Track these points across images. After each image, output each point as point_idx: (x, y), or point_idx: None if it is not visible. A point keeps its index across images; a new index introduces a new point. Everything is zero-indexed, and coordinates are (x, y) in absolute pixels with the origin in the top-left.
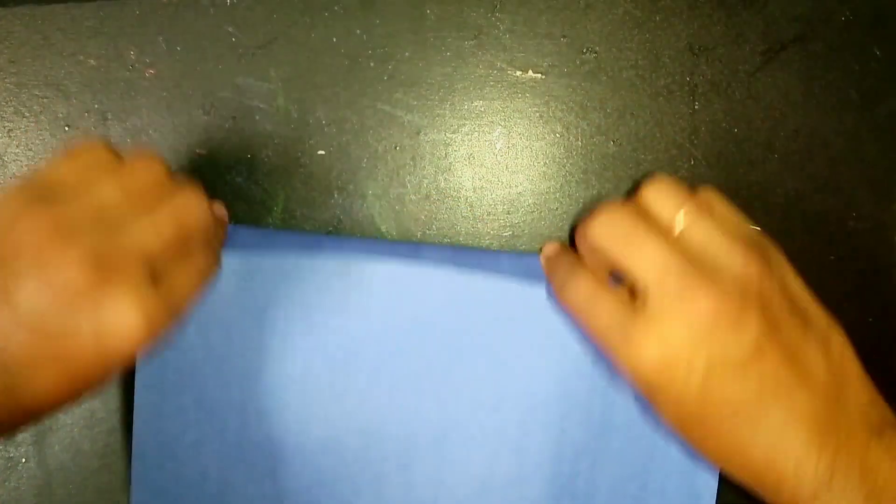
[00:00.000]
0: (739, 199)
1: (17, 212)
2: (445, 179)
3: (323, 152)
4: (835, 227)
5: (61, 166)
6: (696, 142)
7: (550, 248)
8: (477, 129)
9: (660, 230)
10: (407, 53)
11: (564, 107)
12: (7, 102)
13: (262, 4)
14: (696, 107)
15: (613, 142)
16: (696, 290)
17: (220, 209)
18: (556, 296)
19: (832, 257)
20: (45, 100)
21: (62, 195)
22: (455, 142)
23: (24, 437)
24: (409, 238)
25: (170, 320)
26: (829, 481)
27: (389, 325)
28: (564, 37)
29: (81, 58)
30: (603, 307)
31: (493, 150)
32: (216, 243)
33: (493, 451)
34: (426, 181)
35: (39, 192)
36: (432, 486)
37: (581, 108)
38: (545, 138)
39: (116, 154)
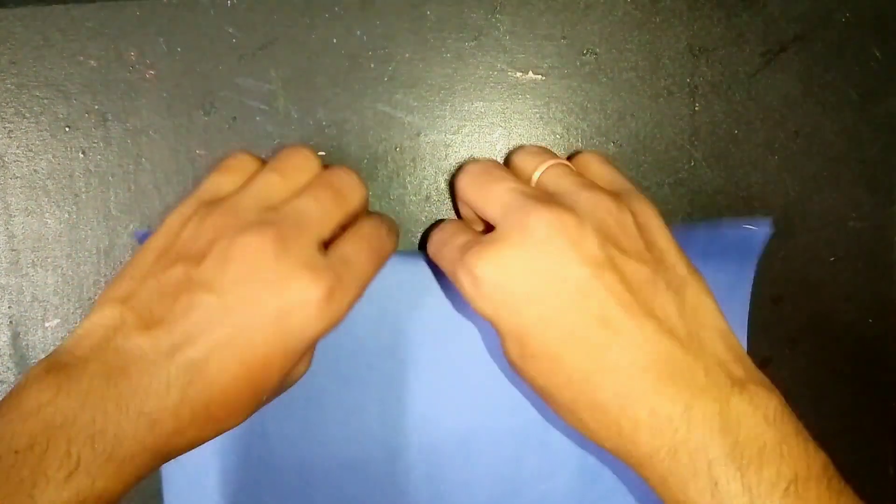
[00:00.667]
0: (739, 200)
1: (197, 215)
2: (446, 181)
3: (323, 153)
4: (835, 227)
5: (220, 177)
6: (696, 143)
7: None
8: (477, 130)
9: (516, 178)
10: (407, 54)
11: (565, 108)
12: (7, 103)
13: (263, 5)
14: (696, 108)
15: (613, 143)
16: (534, 210)
17: None
18: (429, 253)
19: (832, 257)
20: (45, 101)
21: (228, 195)
22: (455, 143)
23: None
24: (409, 238)
25: (346, 295)
26: (687, 433)
27: (402, 335)
28: (564, 38)
29: (82, 59)
30: (455, 243)
31: (494, 151)
32: (388, 222)
33: (517, 449)
34: (426, 182)
35: (209, 198)
36: (460, 491)
37: (581, 110)
38: (545, 139)
39: (261, 160)
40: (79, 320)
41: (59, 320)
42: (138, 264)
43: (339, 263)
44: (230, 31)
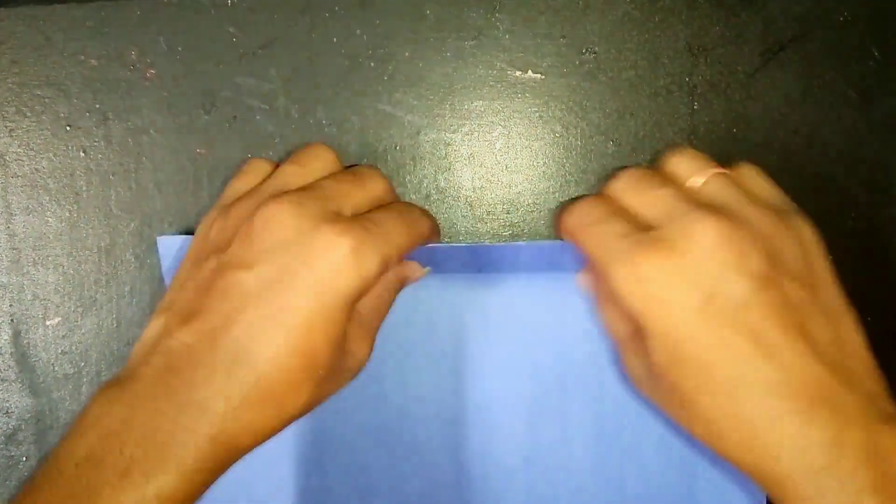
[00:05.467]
0: None
1: (221, 215)
2: (445, 179)
3: None
4: (834, 227)
5: (238, 182)
6: (695, 142)
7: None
8: (477, 129)
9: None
10: (407, 54)
11: (564, 107)
12: (9, 102)
13: (263, 5)
14: (695, 107)
15: (613, 142)
16: (703, 219)
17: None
18: (563, 226)
19: (831, 257)
20: (46, 99)
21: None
22: (455, 142)
23: (25, 435)
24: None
25: (375, 250)
26: (836, 459)
27: (420, 306)
28: (564, 37)
29: (83, 58)
30: (609, 228)
31: (493, 149)
32: (422, 208)
33: (534, 417)
34: (426, 181)
35: (231, 201)
36: (479, 458)
37: (580, 109)
38: (545, 138)
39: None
40: (80, 319)
41: (59, 319)
42: (178, 276)
43: (367, 221)
44: (231, 30)
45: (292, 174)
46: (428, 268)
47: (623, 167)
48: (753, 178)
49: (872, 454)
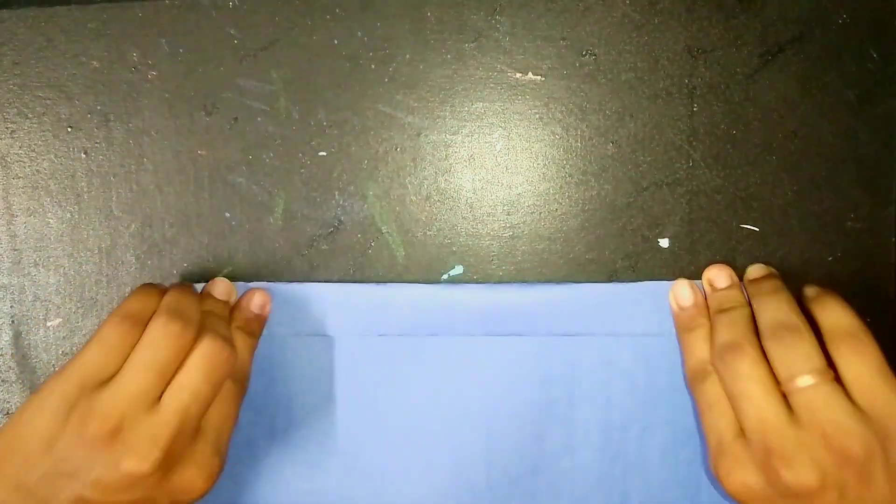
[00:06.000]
0: (738, 200)
1: (62, 417)
2: (446, 180)
3: (324, 153)
4: (833, 228)
5: (90, 352)
6: (694, 143)
7: (684, 297)
8: (477, 130)
9: (776, 380)
10: (407, 55)
11: (564, 108)
12: (10, 104)
13: (264, 7)
14: (694, 108)
15: (612, 143)
16: (783, 461)
17: (261, 299)
18: (686, 371)
19: (830, 257)
20: (47, 101)
21: (96, 391)
22: (455, 143)
23: None
24: (410, 238)
25: (221, 459)
26: None
27: (427, 314)
28: (564, 39)
29: (84, 60)
30: (718, 415)
31: (493, 151)
32: (246, 354)
33: (540, 425)
34: (427, 182)
35: (77, 391)
36: (484, 467)
37: (580, 110)
38: (544, 140)
39: (136, 321)
40: (80, 320)
41: (60, 320)
42: (40, 413)
43: (212, 438)
44: (232, 32)
45: (147, 384)
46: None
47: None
48: (856, 363)
49: None
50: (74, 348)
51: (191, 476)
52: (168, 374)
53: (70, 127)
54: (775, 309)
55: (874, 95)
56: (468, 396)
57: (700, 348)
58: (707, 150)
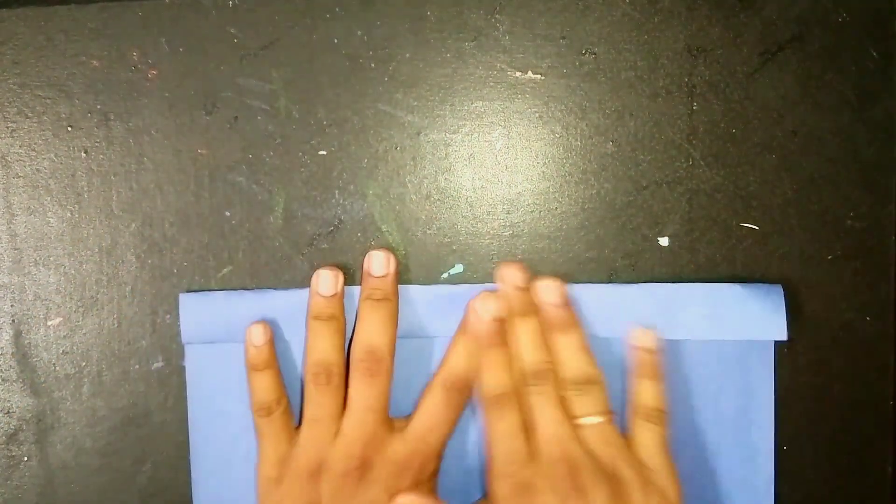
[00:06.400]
0: (737, 200)
1: None
2: (446, 179)
3: (324, 152)
4: (832, 227)
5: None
6: (694, 142)
7: (490, 308)
8: (477, 129)
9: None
10: (407, 55)
11: (563, 107)
12: (10, 103)
13: (264, 6)
14: (694, 107)
15: (612, 142)
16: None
17: (380, 258)
18: (482, 391)
19: (829, 256)
20: (48, 100)
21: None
22: (455, 142)
23: (27, 435)
24: (410, 236)
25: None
26: None
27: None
28: (564, 38)
29: (84, 59)
30: (509, 443)
31: (493, 150)
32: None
33: None
34: (426, 181)
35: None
36: (483, 466)
37: (580, 109)
38: (544, 139)
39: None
40: (81, 319)
41: (61, 319)
42: None
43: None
44: (232, 31)
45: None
46: None
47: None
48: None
49: None
50: (75, 347)
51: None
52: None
53: (70, 126)
54: (569, 349)
55: (873, 95)
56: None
57: (501, 375)
58: (707, 148)
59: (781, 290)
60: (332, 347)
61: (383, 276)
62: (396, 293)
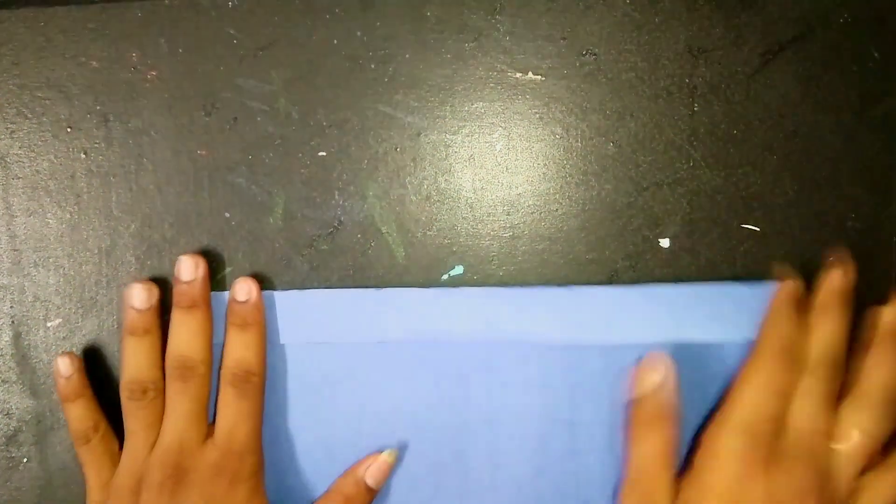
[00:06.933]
0: (738, 200)
1: None
2: (446, 180)
3: (324, 153)
4: (834, 228)
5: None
6: (695, 143)
7: (788, 290)
8: (477, 130)
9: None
10: (407, 55)
11: (564, 108)
12: (10, 104)
13: (263, 7)
14: (695, 108)
15: (613, 143)
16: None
17: (244, 286)
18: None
19: (831, 257)
20: (47, 101)
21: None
22: (455, 143)
23: (26, 436)
24: (410, 238)
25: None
26: None
27: (430, 320)
28: (564, 39)
29: (83, 60)
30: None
31: (493, 151)
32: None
33: (544, 427)
34: (426, 182)
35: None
36: (488, 471)
37: (580, 110)
38: (545, 140)
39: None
40: (80, 320)
41: (60, 320)
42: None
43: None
44: (231, 32)
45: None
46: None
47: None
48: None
49: None
50: (75, 348)
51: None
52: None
53: (70, 127)
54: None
55: (875, 95)
56: (470, 401)
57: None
58: (708, 149)
59: None
60: (146, 363)
61: (190, 282)
62: (207, 299)
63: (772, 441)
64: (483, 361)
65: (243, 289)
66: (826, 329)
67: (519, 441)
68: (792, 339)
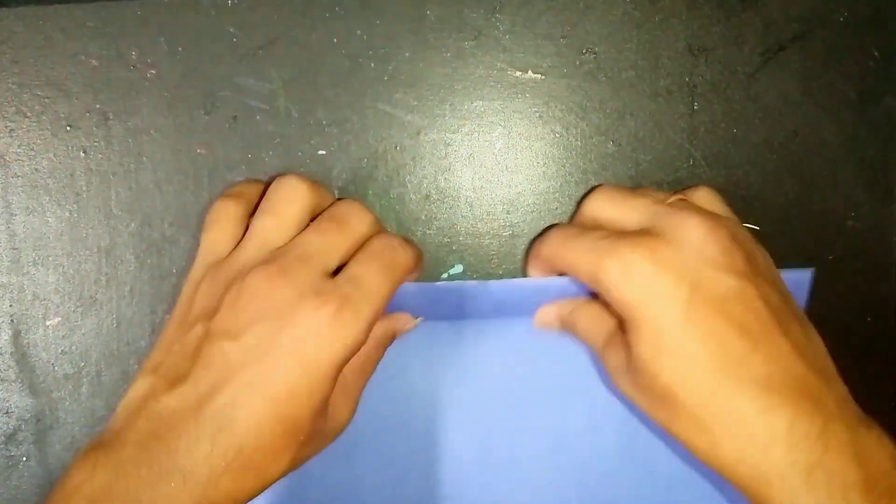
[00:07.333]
0: (738, 200)
1: (205, 278)
2: (445, 179)
3: (323, 152)
4: (834, 227)
5: (215, 234)
6: (695, 142)
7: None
8: (477, 129)
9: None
10: (407, 54)
11: (564, 107)
12: (9, 102)
13: (263, 5)
14: (695, 107)
15: (613, 142)
16: (691, 217)
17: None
18: (538, 254)
19: (831, 257)
20: (46, 100)
21: (230, 252)
22: (455, 142)
23: (25, 435)
24: (410, 236)
25: (357, 314)
26: (823, 454)
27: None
28: (564, 37)
29: (83, 58)
30: (586, 238)
31: (493, 150)
32: (401, 239)
33: (563, 402)
34: (426, 181)
35: (213, 259)
36: (507, 445)
37: (580, 109)
38: (545, 138)
39: (246, 195)
40: (80, 319)
41: (59, 319)
42: (164, 336)
43: (347, 284)
44: (231, 30)
45: (271, 230)
46: (419, 318)
47: (591, 189)
48: (711, 200)
49: (857, 452)
50: (74, 347)
51: (340, 408)
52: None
53: (69, 125)
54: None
55: (875, 94)
56: (487, 376)
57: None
58: (708, 148)
59: (810, 275)
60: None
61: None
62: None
63: None
64: (503, 334)
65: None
66: None
67: (538, 415)
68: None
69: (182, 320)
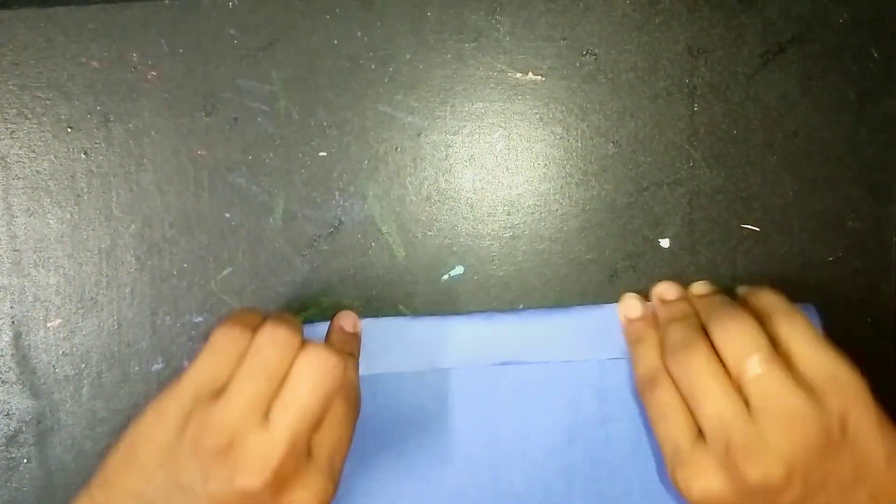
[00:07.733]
0: (738, 200)
1: (178, 428)
2: (446, 181)
3: (324, 154)
4: (833, 227)
5: (202, 362)
6: (695, 143)
7: (631, 309)
8: (477, 130)
9: (727, 371)
10: (408, 56)
11: (564, 108)
12: (10, 104)
13: (264, 7)
14: (695, 108)
15: (613, 143)
16: (746, 457)
17: (351, 318)
18: (636, 382)
19: (830, 257)
20: (47, 101)
21: (210, 402)
22: (455, 143)
23: (26, 437)
24: (410, 238)
25: (334, 483)
26: None
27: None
28: (564, 39)
29: (84, 60)
30: (673, 422)
31: (494, 151)
32: (352, 370)
33: (574, 395)
34: (427, 182)
35: (204, 384)
36: (518, 439)
37: (581, 110)
38: (545, 140)
39: (245, 326)
40: (80, 320)
41: (60, 320)
42: (151, 438)
43: (325, 463)
44: (231, 32)
45: (257, 394)
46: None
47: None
48: (798, 342)
49: None
50: (75, 349)
51: (302, 499)
52: (276, 383)
53: (70, 127)
54: (719, 306)
55: (874, 95)
56: (496, 368)
57: (650, 356)
58: (708, 149)
59: (814, 310)
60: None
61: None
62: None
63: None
64: (513, 326)
65: (350, 319)
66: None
67: (549, 408)
68: (655, 365)
69: (170, 445)
